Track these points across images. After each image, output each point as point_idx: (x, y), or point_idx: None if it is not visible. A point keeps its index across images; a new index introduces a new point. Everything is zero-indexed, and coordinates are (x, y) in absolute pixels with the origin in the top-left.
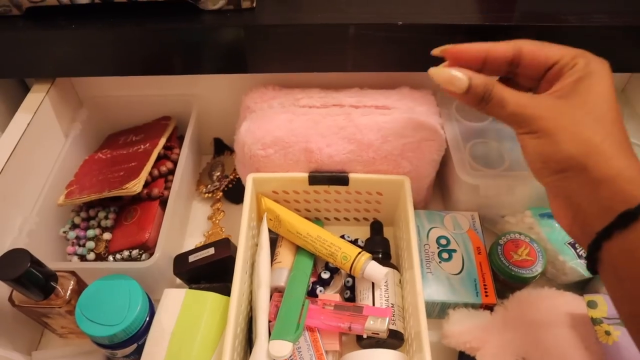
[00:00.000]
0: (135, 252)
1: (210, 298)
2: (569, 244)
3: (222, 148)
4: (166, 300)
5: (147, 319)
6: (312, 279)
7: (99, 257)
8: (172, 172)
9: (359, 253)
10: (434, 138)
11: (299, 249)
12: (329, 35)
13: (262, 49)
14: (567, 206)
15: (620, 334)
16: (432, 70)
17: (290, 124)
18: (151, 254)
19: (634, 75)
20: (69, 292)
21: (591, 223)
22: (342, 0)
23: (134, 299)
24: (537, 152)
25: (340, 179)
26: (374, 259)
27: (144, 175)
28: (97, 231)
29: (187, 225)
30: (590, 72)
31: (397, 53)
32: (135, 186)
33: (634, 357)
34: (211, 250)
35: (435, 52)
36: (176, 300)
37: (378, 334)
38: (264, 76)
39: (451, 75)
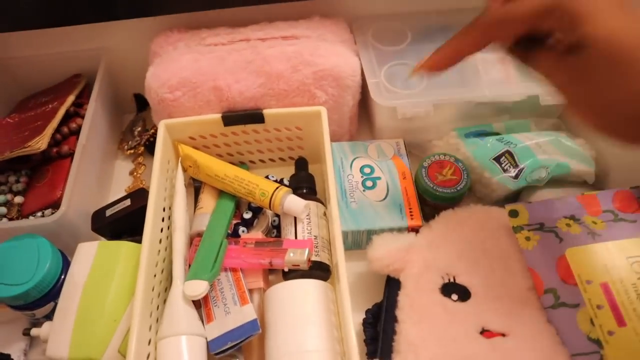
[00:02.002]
0: (48, 212)
1: (125, 247)
2: (493, 159)
3: (143, 104)
4: (79, 255)
5: (63, 276)
6: (236, 221)
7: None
8: None
9: (277, 188)
10: (344, 63)
11: (221, 193)
12: None
13: None
14: None
15: (539, 239)
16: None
17: (196, 63)
18: None
19: None
20: None
21: None
22: None
23: (43, 256)
24: None
25: (254, 116)
26: (299, 194)
27: (48, 131)
28: (9, 196)
29: (110, 183)
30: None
31: None
32: (39, 143)
33: (550, 258)
34: (127, 202)
35: (414, 73)
36: (89, 253)
37: (299, 265)
38: (172, 20)
39: None
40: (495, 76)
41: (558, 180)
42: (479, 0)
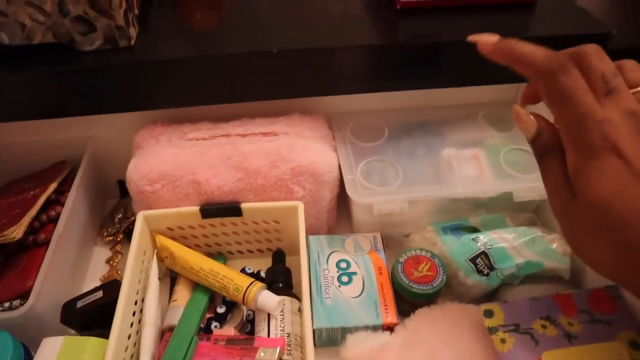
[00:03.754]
0: (16, 302)
1: (91, 343)
2: (469, 260)
3: (126, 191)
4: (43, 350)
5: None
6: (209, 315)
7: None
8: None
9: (251, 283)
10: (321, 160)
11: (196, 286)
12: (208, 68)
13: (144, 86)
14: None
15: (514, 341)
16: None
17: (177, 157)
18: None
19: (521, 85)
20: None
21: None
22: (222, 31)
23: (2, 351)
24: None
25: (232, 209)
26: (275, 289)
27: (25, 220)
28: None
29: (86, 270)
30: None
31: (280, 80)
32: (14, 233)
33: None
34: (99, 294)
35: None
36: (53, 349)
37: None
38: (157, 113)
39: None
40: (470, 173)
41: (534, 277)
42: (453, 98)
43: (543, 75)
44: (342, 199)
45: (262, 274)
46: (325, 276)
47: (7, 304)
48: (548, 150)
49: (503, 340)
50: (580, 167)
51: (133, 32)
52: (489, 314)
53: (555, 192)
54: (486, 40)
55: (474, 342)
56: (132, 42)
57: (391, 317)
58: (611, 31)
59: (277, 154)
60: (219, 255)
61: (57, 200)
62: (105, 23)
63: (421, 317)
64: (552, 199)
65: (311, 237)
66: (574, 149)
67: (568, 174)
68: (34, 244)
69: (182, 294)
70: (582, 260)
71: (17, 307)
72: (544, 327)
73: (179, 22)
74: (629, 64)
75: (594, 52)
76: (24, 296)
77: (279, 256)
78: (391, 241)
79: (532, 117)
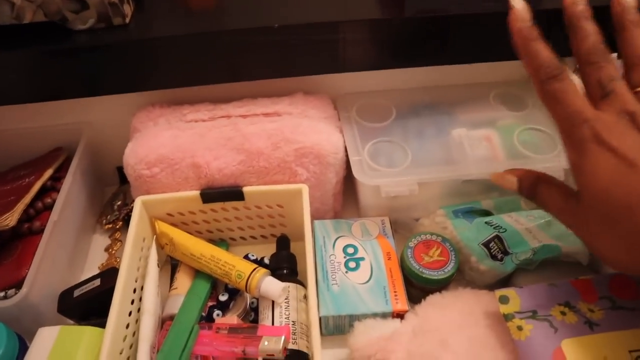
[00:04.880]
0: (11, 292)
1: (87, 333)
2: (482, 244)
3: (126, 177)
4: (38, 340)
5: None
6: (211, 303)
7: None
8: None
9: (254, 269)
10: (326, 141)
11: (197, 273)
12: (206, 46)
13: (140, 66)
14: None
15: (532, 328)
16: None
17: (176, 139)
18: None
19: None
20: None
21: None
22: (220, 8)
23: None
24: None
25: (234, 193)
26: (279, 275)
27: (19, 207)
28: None
29: (85, 259)
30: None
31: (282, 57)
32: (7, 220)
33: (546, 351)
34: (97, 282)
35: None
36: (49, 338)
37: (274, 355)
38: (155, 95)
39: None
40: (482, 153)
41: (550, 262)
42: (463, 77)
43: (540, 78)
44: (349, 183)
45: (266, 261)
46: (332, 262)
47: (1, 294)
48: (533, 188)
49: (520, 328)
50: (577, 163)
51: (128, 9)
52: (504, 299)
53: (560, 210)
54: (522, 15)
55: (488, 330)
56: (127, 20)
57: (401, 304)
58: None
59: (280, 135)
60: (220, 242)
61: (53, 187)
62: (98, 0)
63: (432, 304)
64: (562, 218)
65: (317, 222)
66: (570, 146)
67: (561, 193)
68: (29, 232)
69: (183, 281)
70: (602, 260)
71: (12, 297)
72: (563, 313)
73: None
74: None
75: (596, 61)
76: (19, 285)
77: (283, 242)
78: (400, 225)
79: (509, 174)
